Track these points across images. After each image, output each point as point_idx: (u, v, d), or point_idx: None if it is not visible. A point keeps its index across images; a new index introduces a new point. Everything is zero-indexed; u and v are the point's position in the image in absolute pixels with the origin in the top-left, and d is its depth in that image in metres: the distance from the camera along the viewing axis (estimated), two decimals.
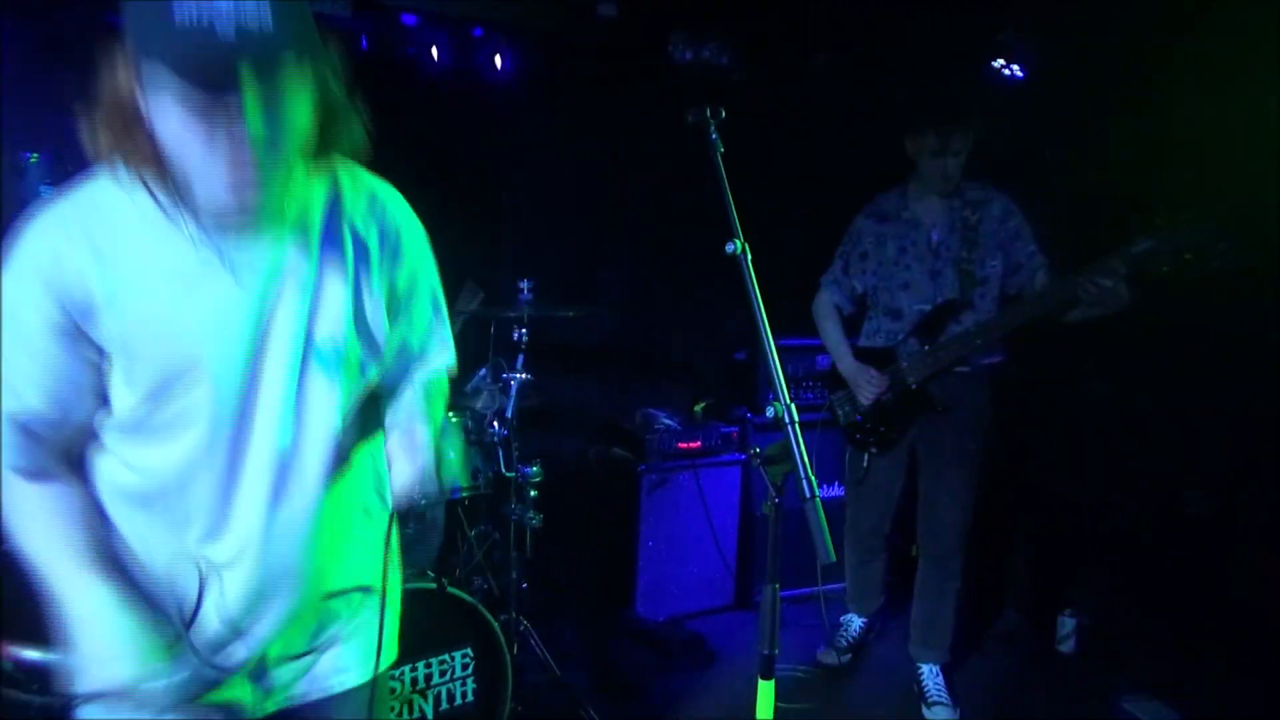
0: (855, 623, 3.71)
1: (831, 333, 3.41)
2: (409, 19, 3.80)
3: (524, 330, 3.15)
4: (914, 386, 3.18)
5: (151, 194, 1.23)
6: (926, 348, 3.16)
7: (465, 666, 2.68)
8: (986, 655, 3.72)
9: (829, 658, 3.62)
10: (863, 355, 3.34)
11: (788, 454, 1.41)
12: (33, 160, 3.16)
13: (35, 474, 1.33)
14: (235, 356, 1.32)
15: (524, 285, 3.22)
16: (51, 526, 1.32)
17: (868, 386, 3.25)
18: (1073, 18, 3.54)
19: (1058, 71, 3.75)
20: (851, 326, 3.46)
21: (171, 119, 1.12)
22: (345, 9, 3.71)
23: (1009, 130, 4.03)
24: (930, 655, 3.37)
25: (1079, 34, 3.57)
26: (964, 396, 3.18)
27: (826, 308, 3.44)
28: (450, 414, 3.05)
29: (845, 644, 3.66)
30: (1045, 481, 3.95)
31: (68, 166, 3.20)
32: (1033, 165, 3.95)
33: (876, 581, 3.65)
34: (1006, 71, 3.79)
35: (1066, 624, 3.70)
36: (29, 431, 1.31)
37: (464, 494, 3.09)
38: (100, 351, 1.28)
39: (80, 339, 1.27)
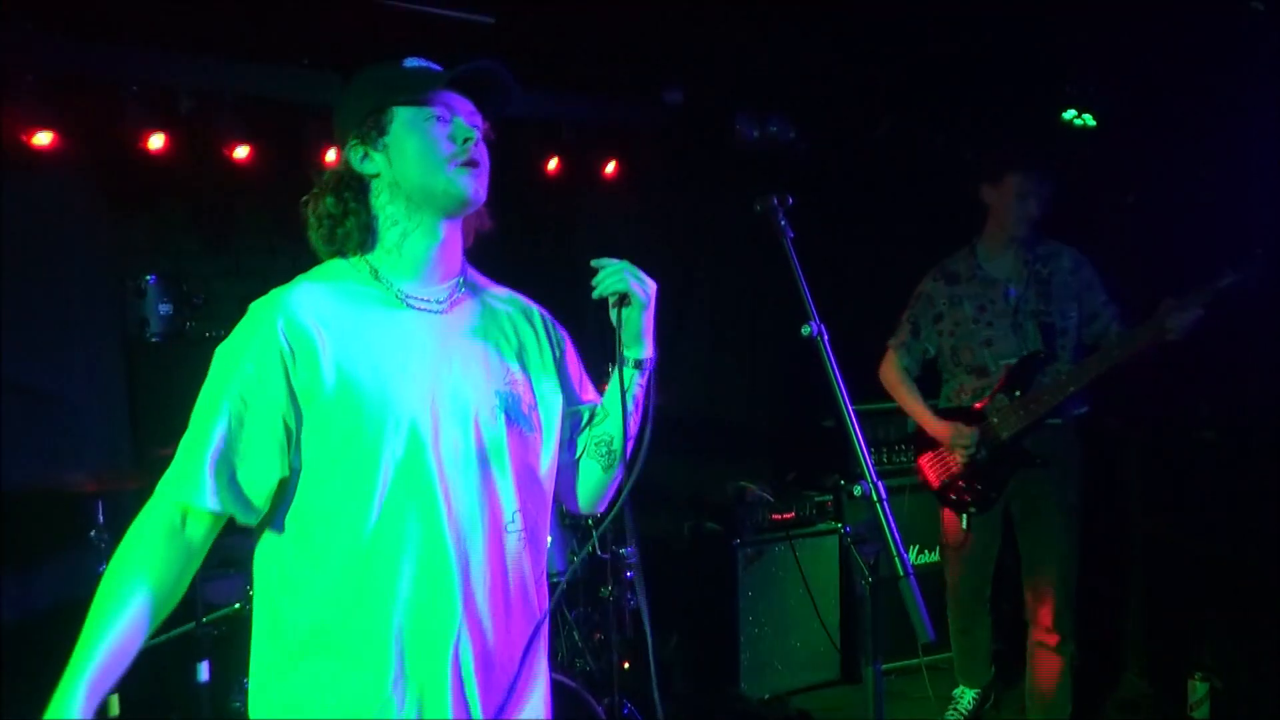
0: (967, 695, 3.56)
1: (909, 397, 3.37)
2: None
3: None
4: (1007, 440, 3.13)
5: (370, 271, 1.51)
6: (1017, 400, 3.12)
7: None
8: None
9: None
10: (948, 415, 3.30)
11: (878, 532, 1.41)
12: (149, 281, 3.42)
13: None
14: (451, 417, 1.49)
15: (609, 370, 3.28)
16: None
17: (962, 444, 3.18)
18: (1136, 67, 3.52)
19: (1129, 118, 3.72)
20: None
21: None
22: None
23: (1084, 177, 3.99)
24: None
25: (1142, 82, 3.55)
26: (1058, 448, 3.14)
27: (899, 373, 3.40)
28: None
29: (958, 717, 3.52)
30: (1161, 537, 3.77)
31: (180, 286, 3.47)
32: (1111, 210, 3.90)
33: (982, 649, 3.51)
34: (1079, 121, 3.78)
35: (1198, 689, 3.48)
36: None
37: (556, 578, 3.12)
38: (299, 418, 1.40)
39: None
